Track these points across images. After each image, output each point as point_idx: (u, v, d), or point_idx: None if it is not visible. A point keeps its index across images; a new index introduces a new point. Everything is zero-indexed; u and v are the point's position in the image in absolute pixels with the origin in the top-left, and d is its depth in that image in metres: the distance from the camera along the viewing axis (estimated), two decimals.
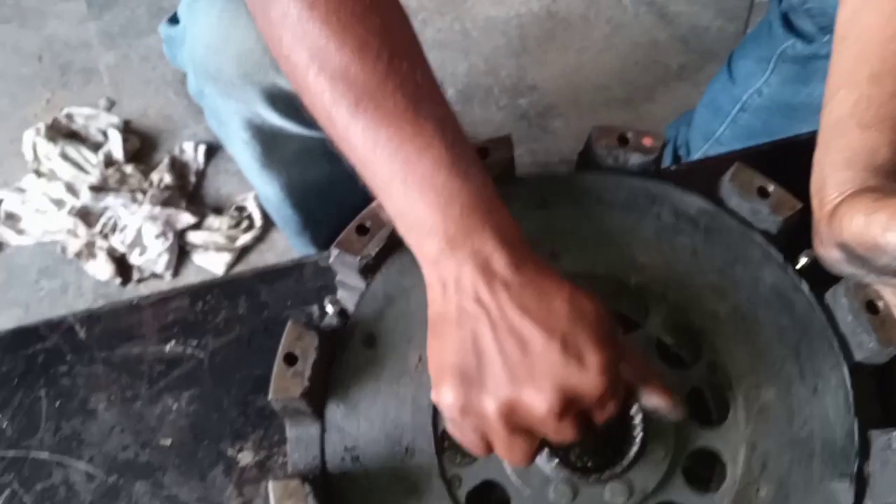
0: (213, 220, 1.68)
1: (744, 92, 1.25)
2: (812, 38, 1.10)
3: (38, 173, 1.73)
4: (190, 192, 1.73)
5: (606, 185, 0.73)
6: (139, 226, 1.63)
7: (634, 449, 0.62)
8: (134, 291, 1.63)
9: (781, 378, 0.67)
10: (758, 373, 0.67)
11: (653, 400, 0.60)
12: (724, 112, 1.31)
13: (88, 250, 1.64)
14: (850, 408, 0.65)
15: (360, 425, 0.66)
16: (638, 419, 0.62)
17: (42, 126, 1.75)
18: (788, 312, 0.68)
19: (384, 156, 0.58)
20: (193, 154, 1.76)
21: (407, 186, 0.57)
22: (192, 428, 0.74)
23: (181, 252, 1.67)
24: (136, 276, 1.65)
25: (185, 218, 1.65)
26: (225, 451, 0.73)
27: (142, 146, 1.79)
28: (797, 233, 0.69)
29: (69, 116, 1.81)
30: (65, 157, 1.72)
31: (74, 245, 1.65)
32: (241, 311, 0.79)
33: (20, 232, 1.69)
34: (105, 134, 1.78)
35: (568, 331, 0.55)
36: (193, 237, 1.66)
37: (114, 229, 1.66)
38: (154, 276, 1.65)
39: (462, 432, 0.58)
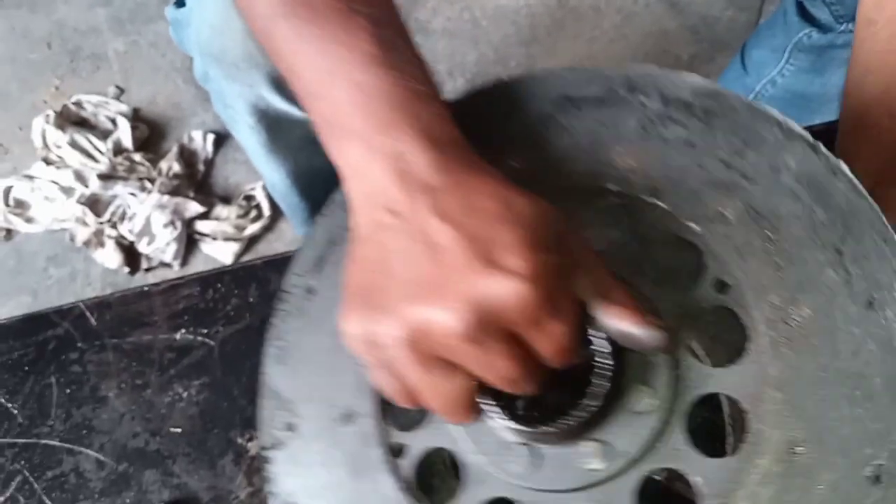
0: (221, 210, 1.68)
1: (757, 82, 1.24)
2: (829, 27, 1.09)
3: (48, 161, 1.73)
4: (198, 181, 1.73)
5: (573, 79, 0.59)
6: (148, 214, 1.62)
7: (600, 390, 0.47)
8: (142, 280, 1.63)
9: (819, 290, 0.49)
10: (784, 286, 0.49)
11: (615, 321, 0.46)
12: None
13: (97, 238, 1.65)
14: None
15: (298, 388, 0.57)
16: (603, 347, 0.47)
17: (51, 113, 1.75)
18: (823, 204, 0.51)
19: (313, 58, 0.52)
20: (202, 143, 1.75)
21: (334, 88, 0.51)
22: (202, 416, 0.74)
23: (189, 241, 1.66)
24: (144, 264, 1.65)
25: (194, 207, 1.65)
26: (235, 439, 0.73)
27: (151, 134, 1.79)
28: None
29: (78, 104, 1.81)
30: (74, 144, 1.72)
31: (83, 233, 1.65)
32: (252, 299, 0.79)
33: (29, 219, 1.69)
34: (114, 122, 1.78)
35: (489, 234, 0.44)
36: (202, 226, 1.66)
37: (122, 218, 1.66)
38: (162, 265, 1.65)
39: (375, 375, 0.48)
